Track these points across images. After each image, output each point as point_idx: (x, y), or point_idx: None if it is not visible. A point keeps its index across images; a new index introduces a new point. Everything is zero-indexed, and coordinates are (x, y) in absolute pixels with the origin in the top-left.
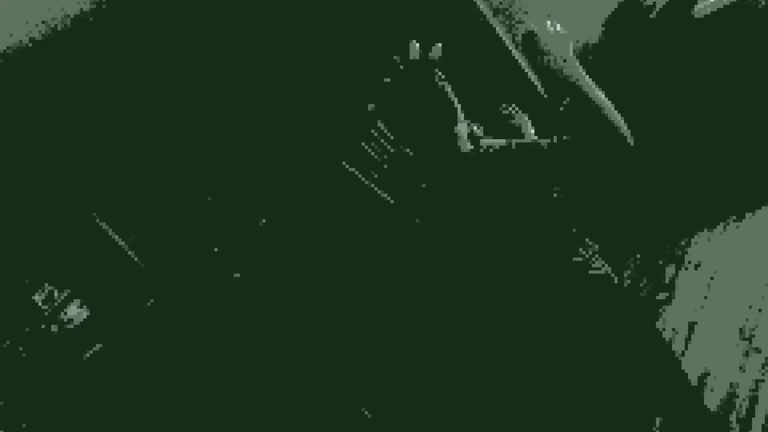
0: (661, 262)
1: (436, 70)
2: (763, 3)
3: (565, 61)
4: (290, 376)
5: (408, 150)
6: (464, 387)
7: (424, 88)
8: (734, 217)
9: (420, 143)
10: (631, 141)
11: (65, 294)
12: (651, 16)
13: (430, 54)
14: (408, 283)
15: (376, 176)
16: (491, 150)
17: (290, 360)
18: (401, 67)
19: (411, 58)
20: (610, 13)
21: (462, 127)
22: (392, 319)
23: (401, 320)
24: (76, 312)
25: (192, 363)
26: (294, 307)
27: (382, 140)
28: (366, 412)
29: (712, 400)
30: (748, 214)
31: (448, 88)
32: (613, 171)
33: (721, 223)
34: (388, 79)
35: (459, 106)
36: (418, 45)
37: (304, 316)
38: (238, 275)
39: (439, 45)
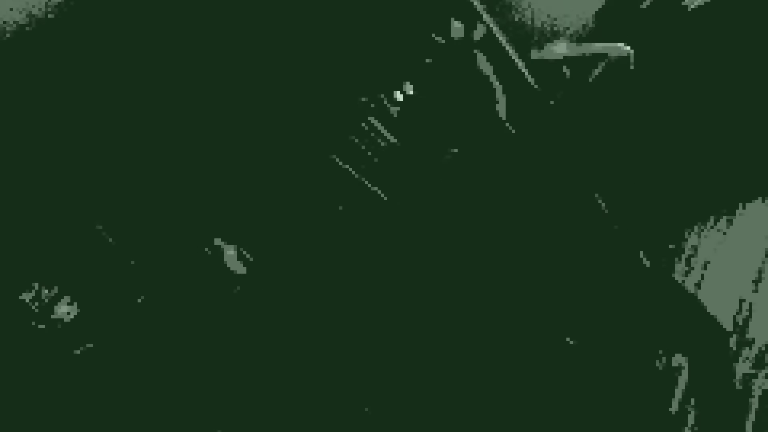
0: (653, 256)
1: (478, 50)
2: None
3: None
4: (285, 373)
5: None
6: (474, 380)
7: (465, 68)
8: (726, 211)
9: (461, 122)
10: (631, 58)
11: (54, 292)
12: (642, 6)
13: (474, 33)
14: (403, 278)
15: (366, 170)
16: (530, 128)
17: (284, 357)
18: (442, 46)
19: (453, 37)
20: (602, 5)
21: (502, 106)
22: (387, 316)
23: (396, 316)
24: (65, 310)
25: (184, 361)
26: (287, 303)
27: (372, 133)
28: (366, 410)
29: None
30: (739, 208)
31: (489, 69)
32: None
33: (713, 217)
34: (429, 60)
35: (500, 86)
36: (460, 24)
37: (298, 312)
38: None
39: (483, 25)
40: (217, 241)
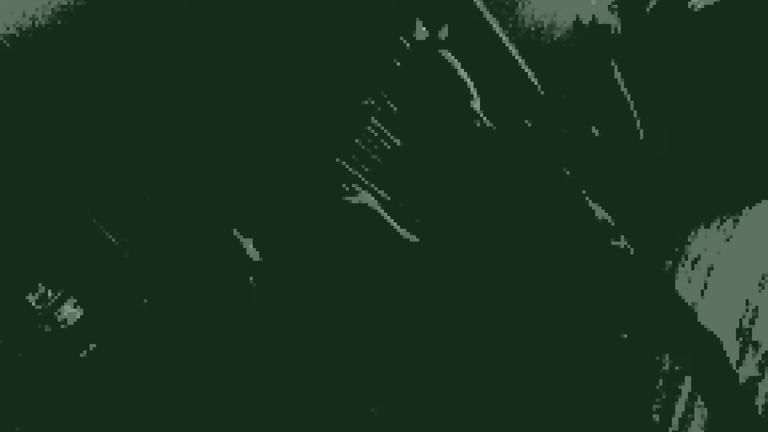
0: (658, 257)
1: (444, 49)
2: None
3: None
4: (291, 375)
5: (402, 143)
6: (478, 382)
7: (433, 68)
8: (731, 212)
9: (434, 123)
10: (641, 134)
11: (59, 294)
12: (648, 8)
13: (438, 34)
14: (405, 281)
15: (369, 172)
16: (506, 127)
17: (291, 359)
18: (408, 48)
19: (417, 38)
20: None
21: (476, 104)
22: (393, 318)
23: (403, 319)
24: (70, 312)
25: (190, 362)
26: (292, 305)
27: (377, 135)
28: (374, 411)
29: None
30: (745, 210)
31: (458, 67)
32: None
33: (719, 218)
34: (397, 62)
35: (471, 84)
36: (424, 25)
37: (304, 314)
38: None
39: (446, 25)
40: (236, 233)
